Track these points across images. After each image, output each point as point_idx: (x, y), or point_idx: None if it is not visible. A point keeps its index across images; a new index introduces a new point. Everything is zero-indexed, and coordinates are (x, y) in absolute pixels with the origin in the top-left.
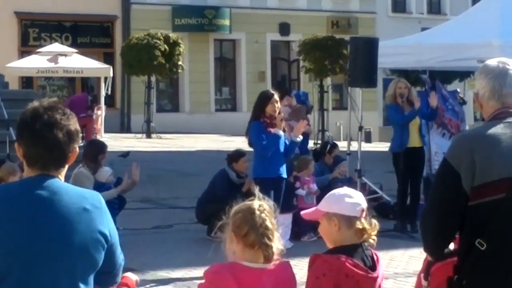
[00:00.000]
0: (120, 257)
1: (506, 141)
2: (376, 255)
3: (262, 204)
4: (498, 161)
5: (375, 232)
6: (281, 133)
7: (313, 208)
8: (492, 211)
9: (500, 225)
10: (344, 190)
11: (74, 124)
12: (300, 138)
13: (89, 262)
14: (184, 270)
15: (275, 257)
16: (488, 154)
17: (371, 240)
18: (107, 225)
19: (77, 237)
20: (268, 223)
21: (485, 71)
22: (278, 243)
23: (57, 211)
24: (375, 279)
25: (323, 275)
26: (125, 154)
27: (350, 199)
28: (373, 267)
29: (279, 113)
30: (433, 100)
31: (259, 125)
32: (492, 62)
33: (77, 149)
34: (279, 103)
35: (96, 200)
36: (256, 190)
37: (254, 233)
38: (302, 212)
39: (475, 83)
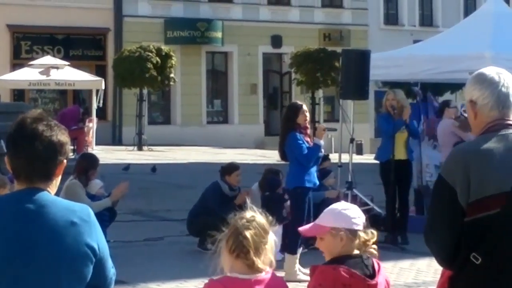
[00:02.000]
0: (111, 271)
1: (500, 155)
2: (378, 263)
3: (254, 216)
4: (492, 177)
5: (374, 240)
6: (321, 142)
7: (312, 224)
8: (487, 226)
9: (495, 240)
10: (343, 204)
11: (58, 136)
12: (322, 141)
13: (77, 276)
14: (175, 283)
15: (263, 266)
16: (482, 169)
17: (372, 250)
18: (96, 238)
19: (64, 250)
20: (248, 233)
21: (487, 81)
22: (266, 256)
23: (44, 224)
24: (374, 286)
25: (319, 285)
26: (127, 167)
27: (353, 213)
28: (372, 275)
29: (309, 123)
30: (405, 114)
31: (296, 136)
32: (489, 71)
33: (65, 161)
34: (308, 113)
35: (85, 214)
36: (248, 201)
37: (232, 239)
38: (301, 229)
39: (471, 92)
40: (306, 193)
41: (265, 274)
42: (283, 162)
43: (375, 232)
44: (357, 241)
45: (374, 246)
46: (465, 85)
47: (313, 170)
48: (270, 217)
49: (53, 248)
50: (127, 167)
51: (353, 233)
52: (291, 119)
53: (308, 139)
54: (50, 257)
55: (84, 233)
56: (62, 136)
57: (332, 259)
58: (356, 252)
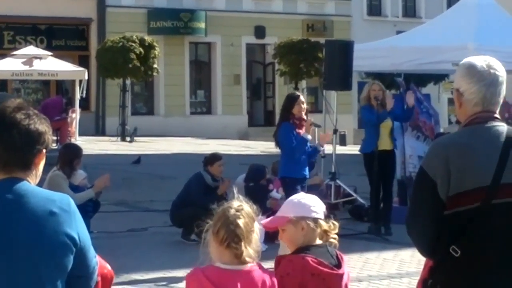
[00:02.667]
0: (94, 260)
1: (481, 149)
2: (340, 255)
3: (241, 205)
4: (472, 171)
5: (335, 231)
6: (309, 137)
7: (271, 217)
8: (467, 219)
9: (474, 233)
10: (302, 195)
11: (36, 124)
12: (323, 147)
13: (57, 266)
14: (159, 273)
15: (248, 258)
16: (462, 163)
17: (332, 240)
18: (76, 228)
19: (43, 240)
20: (240, 221)
21: (477, 76)
22: (254, 246)
23: (23, 214)
24: (341, 276)
25: (287, 274)
26: (137, 160)
27: (312, 201)
28: (338, 265)
29: (306, 114)
30: (410, 99)
31: (288, 126)
32: (480, 63)
33: (44, 151)
34: (305, 104)
35: (65, 203)
36: (235, 191)
37: (224, 229)
38: (262, 222)
39: (459, 82)
40: (294, 183)
41: (251, 267)
42: (265, 154)
43: (336, 223)
44: (318, 230)
45: (335, 236)
46: (456, 71)
47: (304, 161)
48: (255, 206)
49: (32, 239)
50: (138, 160)
51: (314, 221)
52: (286, 109)
53: (301, 131)
54: (29, 247)
55: (64, 223)
56: (41, 125)
57: (298, 249)
58: (319, 241)
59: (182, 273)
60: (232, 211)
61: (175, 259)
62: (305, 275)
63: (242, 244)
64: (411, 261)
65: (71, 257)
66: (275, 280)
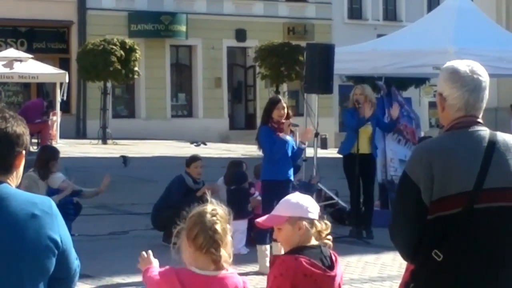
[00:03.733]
0: (75, 263)
1: (463, 154)
2: (334, 255)
3: (215, 209)
4: (456, 176)
5: (328, 232)
6: (287, 137)
7: (268, 215)
8: (449, 224)
9: (456, 238)
10: (298, 195)
11: (14, 127)
12: (306, 144)
13: (39, 268)
14: (140, 276)
15: (225, 263)
16: (445, 168)
17: (326, 241)
18: (58, 230)
19: (25, 243)
20: (218, 227)
21: (460, 81)
22: (229, 249)
23: (4, 217)
24: (333, 277)
25: (280, 275)
26: (125, 161)
27: (309, 202)
28: (331, 266)
29: (287, 118)
30: (395, 112)
31: (267, 130)
32: (463, 67)
33: (23, 152)
34: (286, 108)
35: (46, 206)
36: (208, 195)
37: (202, 235)
38: (257, 220)
39: (442, 86)
40: (274, 185)
41: (225, 273)
42: (246, 157)
43: (329, 223)
44: (313, 231)
45: (329, 237)
46: (439, 74)
47: (286, 164)
48: (227, 208)
49: (14, 241)
50: (125, 160)
51: (311, 222)
52: (266, 113)
53: (280, 134)
54: (11, 250)
55: (46, 226)
56: (18, 127)
57: (292, 250)
58: (314, 242)
59: None
60: (209, 216)
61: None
62: (297, 276)
63: (221, 249)
64: (392, 265)
65: (53, 260)
66: (247, 283)
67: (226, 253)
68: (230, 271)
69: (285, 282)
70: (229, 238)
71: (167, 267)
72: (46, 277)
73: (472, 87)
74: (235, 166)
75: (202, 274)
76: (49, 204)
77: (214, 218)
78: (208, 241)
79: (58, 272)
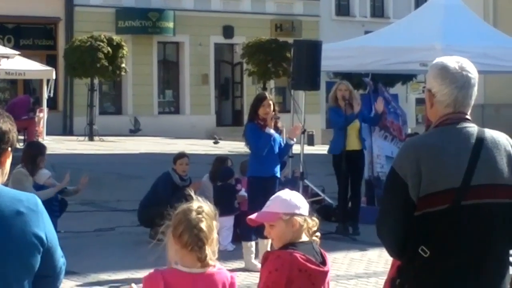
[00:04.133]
0: (61, 260)
1: (452, 150)
2: (323, 251)
3: (201, 206)
4: (443, 172)
5: (316, 228)
6: (272, 131)
7: (260, 212)
8: (436, 220)
9: (443, 234)
10: (289, 192)
11: (0, 124)
12: (294, 141)
13: (24, 266)
14: (126, 273)
15: (210, 261)
16: (433, 164)
17: (315, 238)
18: (44, 228)
19: (10, 240)
20: (203, 225)
21: (449, 78)
22: (214, 246)
23: None
24: (326, 273)
25: (275, 270)
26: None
27: (300, 199)
28: (323, 262)
29: (274, 111)
30: (379, 106)
31: (254, 126)
32: (452, 64)
33: (9, 149)
34: (272, 105)
35: (32, 203)
36: (192, 192)
37: (188, 233)
38: (249, 218)
39: (431, 83)
40: (260, 182)
41: (212, 269)
42: (234, 153)
43: (317, 220)
44: (305, 227)
45: (318, 234)
46: (428, 70)
47: (272, 160)
48: (212, 205)
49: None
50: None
51: (303, 219)
52: (253, 110)
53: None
54: None
55: (31, 223)
56: (4, 124)
57: (285, 245)
58: (305, 239)
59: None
60: (194, 214)
61: (143, 259)
62: (293, 271)
63: (206, 247)
64: (378, 261)
65: (38, 257)
66: (234, 278)
67: (211, 251)
68: (217, 267)
69: (281, 277)
70: (215, 235)
71: (153, 270)
72: (31, 275)
73: (461, 84)
74: (220, 162)
75: (189, 272)
76: (35, 202)
77: (200, 216)
78: (193, 239)
79: (43, 270)
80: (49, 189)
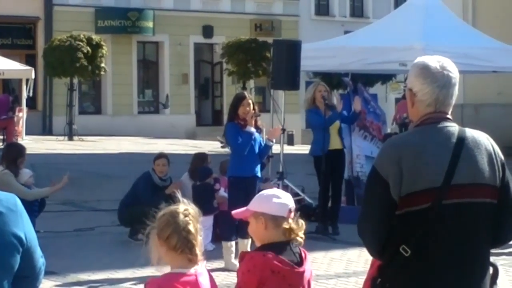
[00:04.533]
0: (40, 260)
1: (433, 150)
2: (304, 252)
3: (187, 208)
4: (424, 171)
5: (302, 232)
6: (252, 129)
7: (244, 208)
8: (417, 219)
9: (424, 234)
10: (273, 190)
11: None
12: (273, 142)
13: (3, 266)
14: (106, 273)
15: (200, 258)
16: (414, 164)
17: (299, 239)
18: (23, 228)
19: None
20: (191, 227)
21: (430, 77)
22: (200, 247)
23: None
24: (302, 273)
25: (248, 271)
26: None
27: (278, 199)
28: (300, 263)
29: (253, 110)
30: (357, 105)
31: (234, 126)
32: (433, 63)
33: None
34: (252, 104)
35: (11, 203)
36: (179, 194)
37: (176, 236)
38: (233, 212)
39: (413, 82)
40: (240, 182)
41: (200, 269)
42: (213, 153)
43: (301, 222)
44: (282, 228)
45: (302, 235)
46: (410, 70)
47: (253, 160)
48: (197, 207)
49: None
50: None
51: (274, 219)
52: (232, 109)
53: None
54: None
55: (11, 223)
56: None
57: (261, 246)
58: (284, 239)
59: (129, 272)
60: (182, 217)
61: (123, 259)
62: (265, 272)
63: (196, 249)
64: (358, 261)
65: (18, 257)
66: (213, 279)
67: (200, 251)
68: (200, 267)
69: (252, 278)
70: (199, 237)
71: (149, 281)
72: (10, 275)
73: (442, 83)
74: (199, 159)
75: (187, 272)
76: (14, 202)
77: (187, 218)
78: (183, 242)
79: (23, 270)
80: (45, 189)
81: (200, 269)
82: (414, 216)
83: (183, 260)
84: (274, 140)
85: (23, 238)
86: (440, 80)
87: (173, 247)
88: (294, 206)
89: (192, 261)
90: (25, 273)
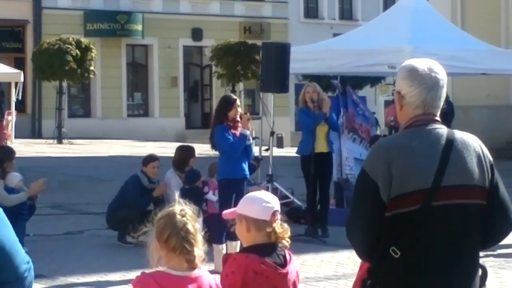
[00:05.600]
0: (23, 266)
1: (422, 151)
2: (289, 253)
3: (183, 209)
4: (414, 173)
5: (287, 235)
6: (247, 132)
7: (233, 209)
8: (407, 221)
9: (414, 235)
10: (260, 193)
11: None
12: (248, 131)
13: None
14: (96, 276)
15: (199, 262)
16: (404, 165)
17: (284, 242)
18: (5, 233)
19: None
20: (189, 226)
21: (418, 79)
22: (201, 247)
23: None
24: (285, 275)
25: (231, 273)
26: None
27: (262, 203)
28: (284, 264)
29: (240, 116)
30: (326, 107)
31: (223, 128)
32: (421, 66)
33: None
34: (240, 107)
35: None
36: (177, 195)
37: (175, 237)
38: (223, 212)
39: (401, 84)
40: (231, 184)
41: (199, 271)
42: (203, 156)
43: (286, 226)
44: (266, 231)
45: (287, 239)
46: (398, 73)
47: (242, 161)
48: (194, 206)
49: None
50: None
51: (256, 222)
52: (222, 112)
53: (237, 132)
54: None
55: None
56: None
57: (244, 248)
58: (269, 241)
59: (118, 275)
60: (179, 217)
61: (112, 262)
62: (248, 274)
63: (195, 249)
64: (347, 263)
65: None
66: (218, 282)
67: (200, 251)
68: (202, 270)
69: (236, 279)
70: (199, 236)
71: (141, 274)
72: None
73: (430, 85)
74: (182, 150)
75: (178, 275)
76: None
77: (184, 218)
78: (182, 242)
79: (3, 276)
80: (21, 194)
81: (195, 275)
82: (404, 217)
83: (181, 261)
84: (252, 140)
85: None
86: (428, 82)
87: (172, 248)
88: (279, 209)
89: (190, 261)
90: (7, 279)
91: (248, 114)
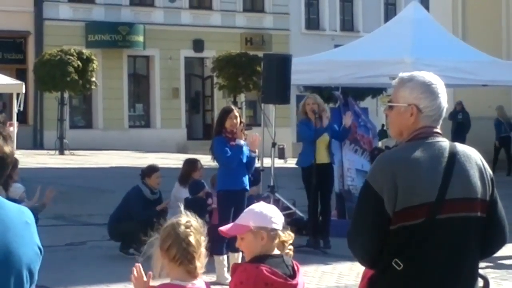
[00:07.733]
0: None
1: (426, 165)
2: (296, 265)
3: (189, 220)
4: (419, 186)
5: (290, 242)
6: (242, 142)
7: (232, 224)
8: (411, 234)
9: (417, 248)
10: (263, 205)
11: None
12: (256, 152)
13: (31, 274)
14: (97, 287)
15: (199, 274)
16: (409, 178)
17: (288, 251)
18: (38, 239)
19: (24, 250)
20: (191, 239)
21: (435, 93)
22: (202, 260)
23: (6, 224)
24: (295, 286)
25: (240, 283)
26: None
27: (272, 212)
28: (293, 275)
29: (240, 123)
30: (348, 120)
31: (221, 139)
32: (435, 81)
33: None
34: (238, 118)
35: (30, 216)
36: (181, 207)
37: (176, 247)
38: (221, 229)
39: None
40: (229, 196)
41: (199, 282)
42: (205, 167)
43: (292, 234)
44: (276, 241)
45: (291, 247)
46: (410, 87)
47: (241, 173)
48: (200, 220)
49: (16, 248)
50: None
51: (273, 232)
52: (219, 123)
53: (235, 143)
54: (14, 256)
55: (34, 234)
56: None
57: (253, 258)
58: (276, 252)
59: (120, 287)
60: (182, 228)
61: (114, 273)
62: (258, 285)
63: (196, 261)
64: (349, 274)
65: (37, 268)
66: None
67: (200, 264)
68: (198, 280)
69: None
70: (203, 250)
71: None
72: (33, 284)
73: (441, 96)
74: (189, 164)
75: (180, 285)
76: (31, 214)
77: (188, 230)
78: (182, 253)
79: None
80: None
81: (199, 284)
82: (408, 230)
83: (182, 272)
84: (256, 151)
85: (41, 248)
86: (440, 95)
87: (172, 258)
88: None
89: (191, 273)
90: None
91: (242, 124)
